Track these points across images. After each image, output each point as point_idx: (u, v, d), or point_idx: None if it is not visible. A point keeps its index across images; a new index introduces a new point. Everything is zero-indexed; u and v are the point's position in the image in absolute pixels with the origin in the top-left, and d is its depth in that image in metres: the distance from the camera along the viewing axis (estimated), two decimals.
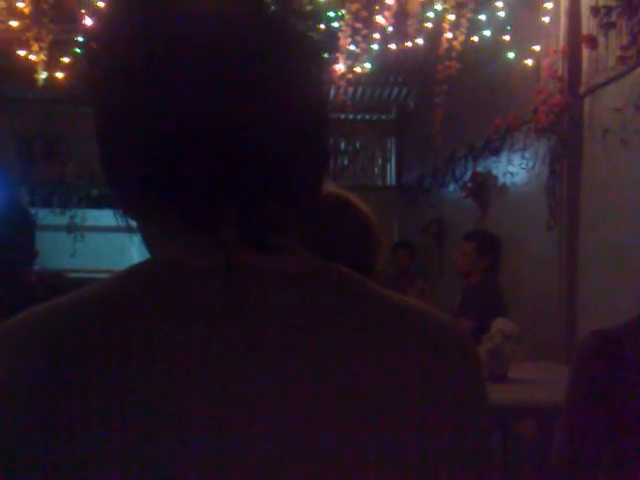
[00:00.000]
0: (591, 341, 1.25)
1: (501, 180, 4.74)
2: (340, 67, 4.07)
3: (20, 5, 3.81)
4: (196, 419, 0.49)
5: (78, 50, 4.05)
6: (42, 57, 3.96)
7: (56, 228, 7.08)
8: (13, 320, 0.52)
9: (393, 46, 4.16)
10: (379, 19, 3.83)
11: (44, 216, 7.07)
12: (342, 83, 4.16)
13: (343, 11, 3.77)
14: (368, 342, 0.54)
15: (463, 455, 0.56)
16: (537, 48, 3.97)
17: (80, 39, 3.96)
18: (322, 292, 0.55)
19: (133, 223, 0.59)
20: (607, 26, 3.27)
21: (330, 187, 1.20)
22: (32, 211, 6.65)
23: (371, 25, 3.88)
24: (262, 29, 0.55)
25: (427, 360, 0.56)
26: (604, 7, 3.26)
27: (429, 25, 3.99)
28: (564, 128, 3.71)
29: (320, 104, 0.58)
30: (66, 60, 4.18)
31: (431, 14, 3.96)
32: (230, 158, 0.53)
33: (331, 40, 3.99)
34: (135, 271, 0.55)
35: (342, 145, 8.08)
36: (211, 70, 0.52)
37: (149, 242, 0.60)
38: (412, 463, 0.53)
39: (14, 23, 3.92)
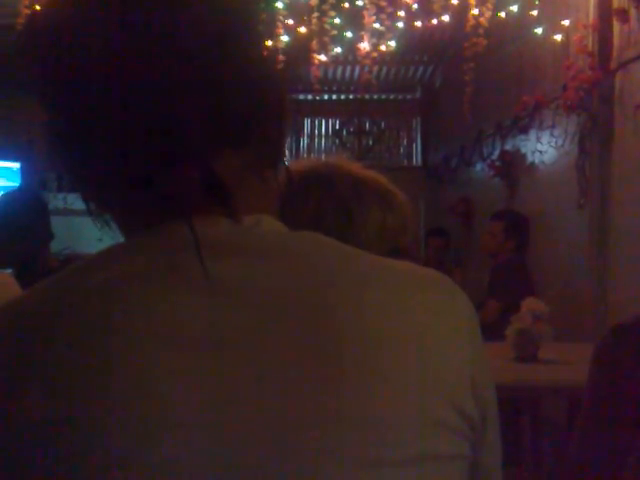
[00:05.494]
0: (607, 336, 1.23)
1: (530, 158, 4.67)
2: (365, 46, 4.03)
3: None
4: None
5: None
6: None
7: (84, 213, 7.12)
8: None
9: (418, 24, 4.11)
10: None
11: (72, 201, 7.13)
12: (367, 62, 4.12)
13: None
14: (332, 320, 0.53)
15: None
16: (566, 23, 3.88)
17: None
18: (291, 267, 0.55)
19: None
20: None
21: (355, 167, 1.17)
22: (60, 196, 6.75)
23: (396, 2, 3.83)
24: (217, 14, 0.56)
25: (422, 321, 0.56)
26: None
27: (455, 1, 3.92)
28: (594, 105, 3.63)
29: (268, 75, 0.60)
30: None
31: None
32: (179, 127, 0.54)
33: (355, 19, 3.95)
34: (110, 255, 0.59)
35: (367, 125, 8.03)
36: (167, 59, 0.53)
37: (125, 231, 0.64)
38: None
39: None
